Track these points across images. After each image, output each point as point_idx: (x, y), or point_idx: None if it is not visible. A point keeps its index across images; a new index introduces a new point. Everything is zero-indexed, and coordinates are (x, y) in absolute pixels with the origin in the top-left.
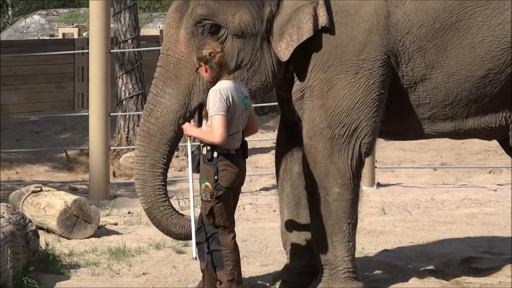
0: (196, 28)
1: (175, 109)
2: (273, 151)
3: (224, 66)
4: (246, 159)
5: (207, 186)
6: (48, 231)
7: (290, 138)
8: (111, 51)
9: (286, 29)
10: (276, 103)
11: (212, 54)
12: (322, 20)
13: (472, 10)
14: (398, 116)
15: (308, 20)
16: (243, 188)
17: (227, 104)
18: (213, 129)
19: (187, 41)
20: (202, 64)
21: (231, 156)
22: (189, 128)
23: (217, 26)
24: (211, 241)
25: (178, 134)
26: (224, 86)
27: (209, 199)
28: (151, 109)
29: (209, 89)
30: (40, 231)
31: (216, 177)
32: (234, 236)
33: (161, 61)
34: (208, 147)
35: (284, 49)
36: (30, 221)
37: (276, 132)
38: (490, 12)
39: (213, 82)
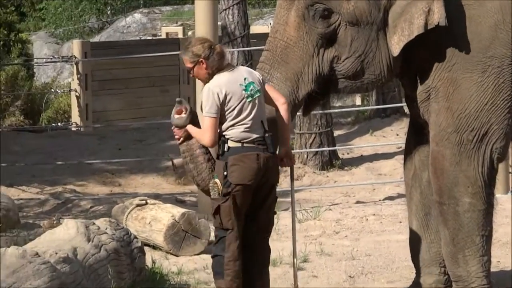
0: (307, 11)
1: (283, 94)
2: (397, 157)
3: (224, 57)
4: (269, 154)
5: (216, 183)
6: (155, 247)
7: (419, 142)
8: None
9: (398, 22)
10: (399, 105)
11: (213, 47)
12: (436, 17)
13: None
14: None
15: (420, 16)
16: (365, 198)
17: (218, 101)
18: (203, 131)
19: (297, 25)
20: (203, 60)
21: (246, 149)
22: (190, 128)
23: (330, 11)
24: (218, 244)
25: None
26: (215, 83)
27: (216, 197)
28: None
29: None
30: (146, 248)
31: (225, 173)
32: (240, 244)
33: (268, 44)
34: (220, 141)
35: (395, 44)
36: (135, 237)
37: (399, 136)
38: None
39: (212, 75)
